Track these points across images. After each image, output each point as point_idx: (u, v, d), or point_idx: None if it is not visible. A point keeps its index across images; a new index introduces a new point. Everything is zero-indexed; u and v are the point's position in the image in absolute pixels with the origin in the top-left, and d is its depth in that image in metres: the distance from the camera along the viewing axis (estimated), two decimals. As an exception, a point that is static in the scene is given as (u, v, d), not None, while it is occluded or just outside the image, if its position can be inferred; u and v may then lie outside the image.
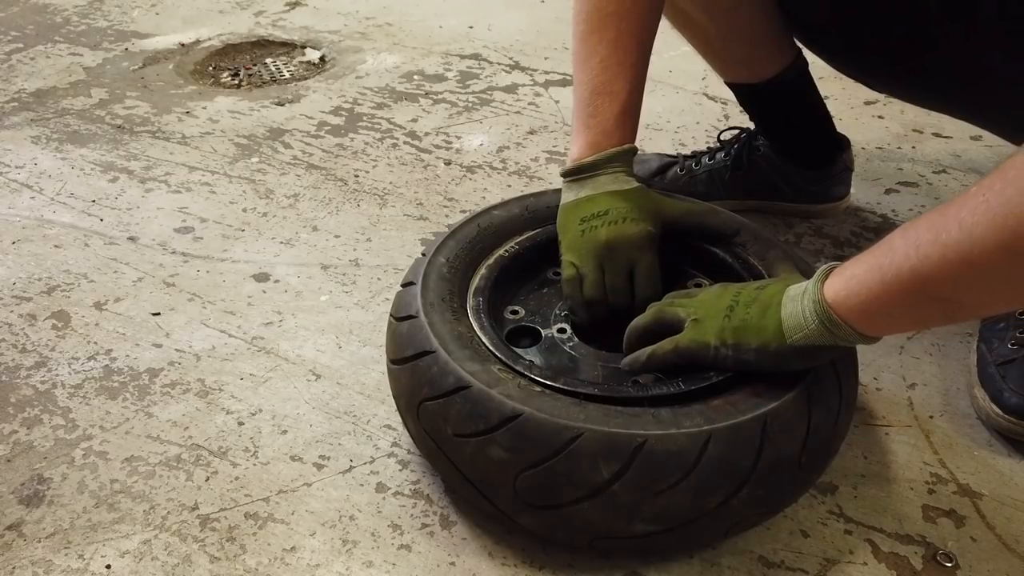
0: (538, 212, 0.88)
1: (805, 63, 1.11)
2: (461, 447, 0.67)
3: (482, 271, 0.82)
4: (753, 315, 0.65)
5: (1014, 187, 0.49)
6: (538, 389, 0.68)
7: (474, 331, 0.74)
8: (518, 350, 0.76)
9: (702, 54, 1.15)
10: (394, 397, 0.77)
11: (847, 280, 0.61)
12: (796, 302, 0.63)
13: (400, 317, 0.76)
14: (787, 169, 1.18)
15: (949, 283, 0.54)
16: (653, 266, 0.80)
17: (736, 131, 1.22)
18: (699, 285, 0.86)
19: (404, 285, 0.79)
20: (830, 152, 1.19)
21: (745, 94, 1.16)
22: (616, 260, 0.79)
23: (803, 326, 0.62)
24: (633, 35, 0.83)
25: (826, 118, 1.18)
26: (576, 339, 0.79)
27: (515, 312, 0.82)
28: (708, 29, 1.09)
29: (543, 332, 0.80)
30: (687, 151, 1.27)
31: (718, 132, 1.25)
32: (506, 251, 0.84)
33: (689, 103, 1.48)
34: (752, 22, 1.06)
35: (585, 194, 0.81)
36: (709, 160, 1.21)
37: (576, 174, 0.82)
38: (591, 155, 0.82)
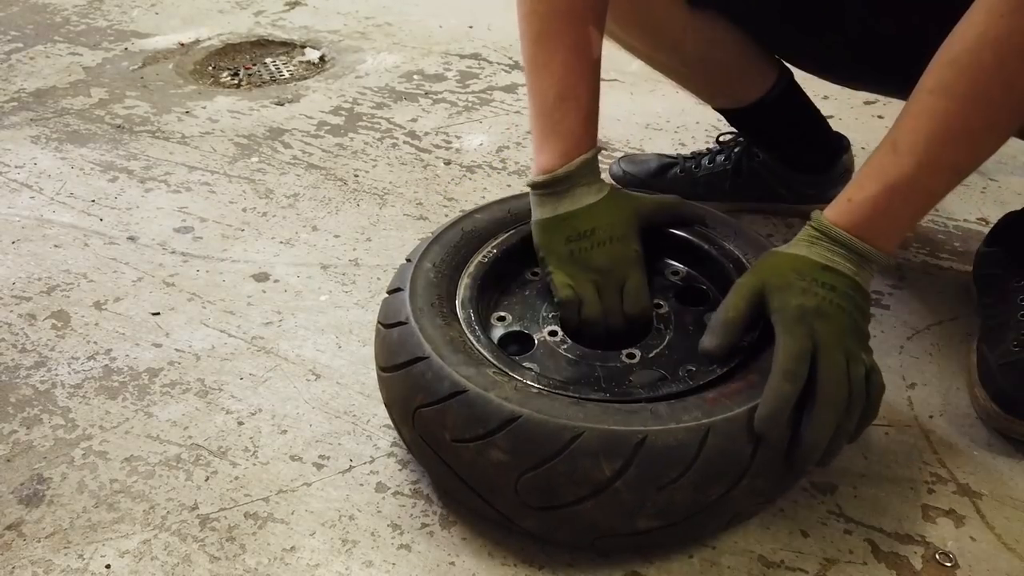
0: (520, 215, 0.87)
1: (790, 76, 1.10)
2: (460, 452, 0.66)
3: (466, 278, 0.81)
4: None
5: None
6: (535, 391, 0.68)
7: (466, 336, 0.74)
8: (514, 357, 0.75)
9: (684, 88, 1.17)
10: (387, 406, 0.76)
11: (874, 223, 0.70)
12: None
13: (389, 324, 0.75)
14: (788, 176, 1.18)
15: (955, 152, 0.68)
16: (642, 283, 0.80)
17: (733, 134, 1.22)
18: (676, 273, 0.88)
19: (391, 291, 0.79)
20: (829, 157, 1.18)
21: (734, 118, 1.16)
22: (610, 283, 0.79)
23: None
24: (590, 37, 0.82)
25: (821, 124, 1.17)
26: (569, 341, 0.79)
27: (502, 318, 0.82)
28: (682, 72, 1.12)
29: (535, 337, 0.79)
30: (687, 151, 1.27)
31: (717, 134, 1.24)
32: (484, 257, 0.84)
33: (689, 103, 1.48)
34: (726, 60, 1.07)
35: (564, 210, 0.80)
36: (709, 163, 1.21)
37: (550, 186, 0.80)
38: (563, 165, 0.80)
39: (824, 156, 1.18)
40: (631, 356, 0.76)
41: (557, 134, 0.81)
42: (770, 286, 0.69)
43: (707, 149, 1.24)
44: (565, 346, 0.78)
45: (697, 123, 1.49)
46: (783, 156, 1.17)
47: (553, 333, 0.79)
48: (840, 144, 1.19)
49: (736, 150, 1.20)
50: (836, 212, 0.72)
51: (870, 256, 0.70)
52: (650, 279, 0.83)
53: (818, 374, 0.65)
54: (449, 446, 0.67)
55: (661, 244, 0.88)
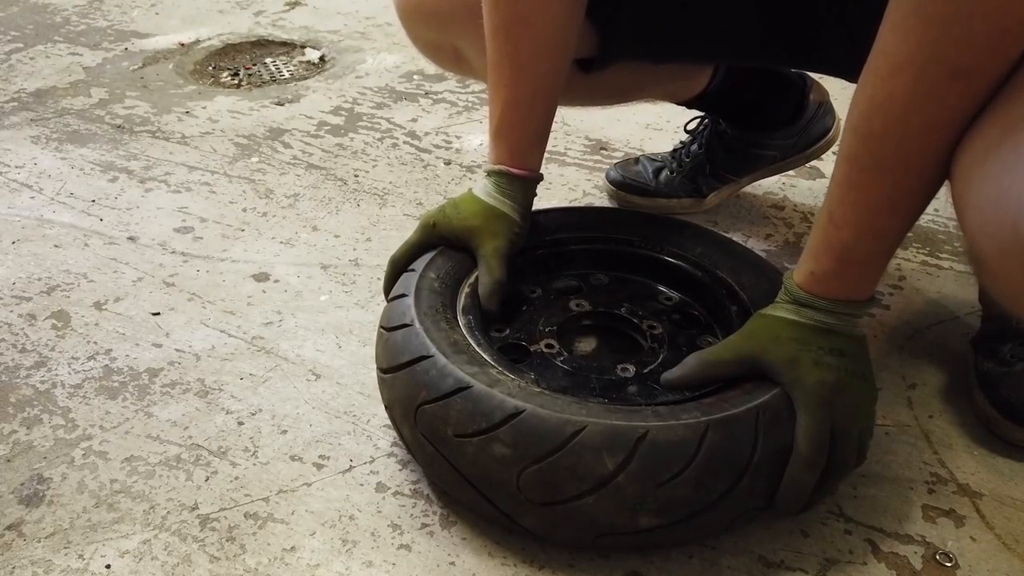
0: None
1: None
2: (462, 448, 0.67)
3: (467, 287, 0.83)
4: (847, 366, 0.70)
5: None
6: (537, 389, 0.69)
7: (468, 340, 0.75)
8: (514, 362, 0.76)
9: None
10: (387, 406, 0.77)
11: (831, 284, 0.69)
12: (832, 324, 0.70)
13: (393, 327, 0.76)
14: (761, 140, 1.17)
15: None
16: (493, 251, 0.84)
17: (697, 118, 1.21)
18: (668, 299, 0.89)
19: (395, 298, 0.80)
20: (797, 103, 1.16)
21: (689, 105, 1.16)
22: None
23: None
24: (529, 44, 0.83)
25: (776, 77, 1.15)
26: (566, 353, 0.80)
27: (500, 330, 0.83)
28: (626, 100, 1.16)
29: (531, 348, 0.80)
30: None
31: (684, 125, 1.24)
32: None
33: (689, 103, 1.48)
34: (652, 86, 1.09)
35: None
36: (687, 156, 1.21)
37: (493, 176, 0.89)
38: (509, 166, 0.88)
39: (791, 104, 1.16)
40: (625, 370, 0.77)
41: (503, 138, 0.89)
42: (775, 357, 0.68)
43: (681, 143, 1.24)
44: (562, 358, 0.79)
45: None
46: (750, 123, 1.16)
47: (550, 346, 0.80)
48: (804, 83, 1.16)
49: (704, 135, 1.19)
50: (806, 282, 0.70)
51: (856, 309, 0.70)
52: (645, 304, 0.88)
53: (834, 454, 0.67)
54: (451, 441, 0.67)
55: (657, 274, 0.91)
